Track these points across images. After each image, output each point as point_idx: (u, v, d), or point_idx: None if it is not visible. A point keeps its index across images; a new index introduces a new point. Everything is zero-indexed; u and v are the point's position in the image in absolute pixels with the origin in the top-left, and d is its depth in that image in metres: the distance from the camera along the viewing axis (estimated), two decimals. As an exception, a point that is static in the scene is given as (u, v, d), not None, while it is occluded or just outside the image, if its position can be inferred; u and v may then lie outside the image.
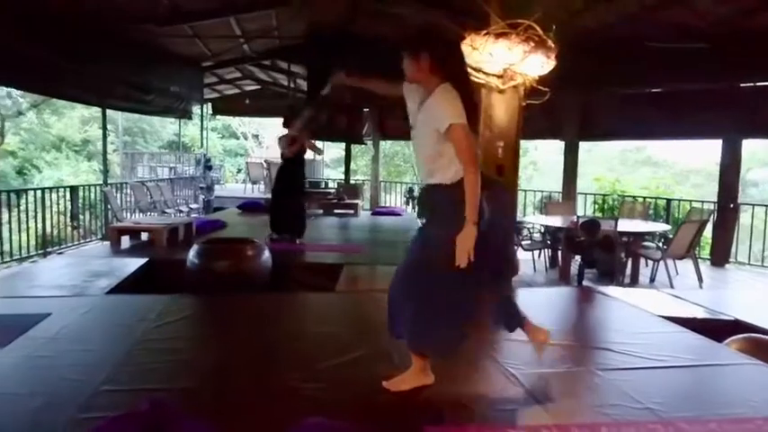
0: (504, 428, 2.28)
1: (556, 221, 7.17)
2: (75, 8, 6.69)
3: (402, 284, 2.54)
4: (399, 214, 10.64)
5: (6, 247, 7.17)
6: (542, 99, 4.79)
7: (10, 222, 7.40)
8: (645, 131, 9.32)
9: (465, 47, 4.47)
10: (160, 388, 2.60)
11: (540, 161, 22.87)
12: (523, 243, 7.17)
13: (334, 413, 2.21)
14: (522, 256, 7.03)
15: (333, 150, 22.20)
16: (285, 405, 2.49)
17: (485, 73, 4.60)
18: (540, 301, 4.65)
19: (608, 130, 9.24)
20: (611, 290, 4.94)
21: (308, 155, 7.42)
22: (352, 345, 3.22)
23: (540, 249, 7.55)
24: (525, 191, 11.45)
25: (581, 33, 6.35)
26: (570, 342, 3.44)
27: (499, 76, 4.65)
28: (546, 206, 8.94)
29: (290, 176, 6.66)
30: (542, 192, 11.74)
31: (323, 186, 12.67)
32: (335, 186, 12.25)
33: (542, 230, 7.72)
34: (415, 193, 13.02)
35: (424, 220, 2.64)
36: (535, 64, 4.54)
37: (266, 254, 5.07)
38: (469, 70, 4.47)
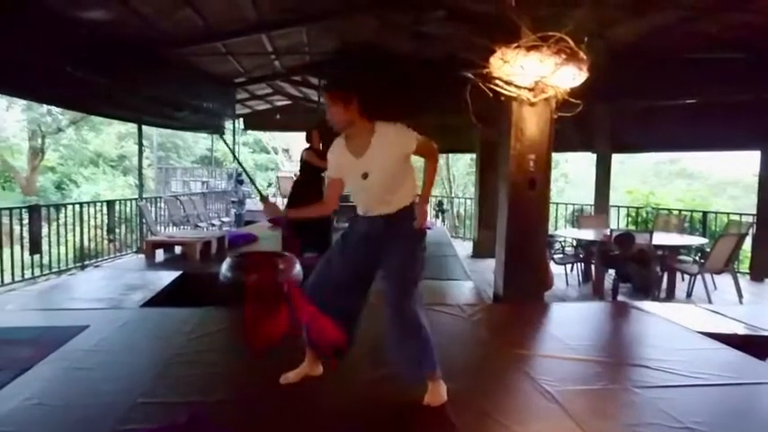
0: (539, 447, 2.24)
1: (588, 235, 7.06)
2: (113, 32, 6.92)
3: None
4: (429, 228, 10.59)
5: (46, 260, 7.37)
6: (574, 111, 4.74)
7: (49, 236, 7.61)
8: (679, 143, 9.15)
9: (495, 60, 4.47)
10: (195, 401, 2.63)
11: (572, 173, 22.59)
12: (555, 257, 7.08)
13: (364, 428, 2.20)
14: (555, 269, 6.94)
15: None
16: (317, 419, 2.49)
17: (516, 86, 4.58)
18: (574, 316, 4.59)
19: (641, 141, 9.08)
20: (647, 305, 4.83)
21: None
22: (382, 359, 3.21)
23: (573, 263, 7.44)
24: (557, 204, 11.30)
25: (614, 45, 6.28)
26: (605, 358, 3.38)
27: (530, 89, 4.62)
28: (578, 219, 8.82)
29: (310, 192, 6.34)
30: (574, 205, 11.60)
31: (352, 199, 12.71)
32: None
33: (574, 244, 7.61)
34: (445, 207, 12.99)
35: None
36: (567, 76, 4.50)
37: (297, 267, 5.10)
38: (500, 83, 4.51)
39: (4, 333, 3.57)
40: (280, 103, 14.11)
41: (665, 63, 7.26)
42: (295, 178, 7.61)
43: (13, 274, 6.73)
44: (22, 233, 7.28)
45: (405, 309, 2.55)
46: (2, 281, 6.48)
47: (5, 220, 7.00)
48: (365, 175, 2.57)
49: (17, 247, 7.09)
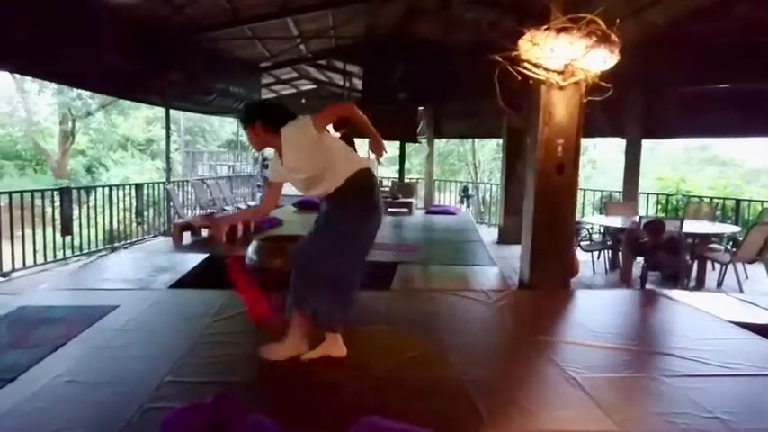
0: (565, 433, 2.21)
1: (616, 222, 6.96)
2: (141, 17, 6.98)
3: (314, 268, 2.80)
4: (454, 213, 10.55)
5: (77, 242, 7.53)
6: (604, 96, 4.64)
7: (80, 218, 7.76)
8: (712, 129, 8.92)
9: (524, 43, 4.39)
10: (221, 381, 2.66)
11: (600, 160, 22.26)
12: (582, 244, 6.99)
13: (390, 412, 2.20)
14: (581, 257, 6.85)
15: (387, 149, 22.24)
16: (343, 402, 2.50)
17: (545, 69, 4.49)
18: (601, 304, 4.53)
19: (673, 127, 8.88)
20: (677, 293, 4.74)
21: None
22: (407, 344, 3.22)
23: (600, 250, 7.35)
24: (584, 190, 11.14)
25: (647, 28, 6.13)
26: (633, 346, 3.33)
27: (560, 73, 4.52)
28: (606, 206, 8.70)
29: None
30: (602, 191, 11.43)
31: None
32: (390, 185, 12.26)
33: (602, 231, 7.51)
34: (470, 192, 12.90)
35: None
36: (597, 59, 4.39)
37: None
38: (529, 66, 4.43)
39: (37, 312, 3.66)
40: (305, 88, 14.14)
41: (700, 48, 7.07)
42: None
43: (45, 254, 6.90)
44: (53, 215, 7.45)
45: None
46: (35, 261, 6.65)
47: (38, 202, 7.16)
48: (295, 173, 2.83)
49: (49, 229, 7.26)
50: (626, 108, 8.44)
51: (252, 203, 12.43)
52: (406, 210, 10.38)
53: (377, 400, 2.51)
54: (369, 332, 3.50)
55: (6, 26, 5.18)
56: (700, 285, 6.27)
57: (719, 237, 7.05)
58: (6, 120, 18.35)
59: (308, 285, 2.81)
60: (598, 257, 7.33)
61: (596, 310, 4.32)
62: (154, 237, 9.05)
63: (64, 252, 7.29)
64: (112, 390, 2.63)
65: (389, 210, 10.39)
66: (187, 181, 11.68)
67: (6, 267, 6.17)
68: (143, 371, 2.89)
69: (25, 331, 3.14)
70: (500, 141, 11.15)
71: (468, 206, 12.55)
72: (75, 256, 7.33)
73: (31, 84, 17.29)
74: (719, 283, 6.37)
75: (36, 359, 2.87)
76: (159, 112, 14.89)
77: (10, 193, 6.63)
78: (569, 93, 4.64)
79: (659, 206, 10.62)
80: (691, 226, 6.33)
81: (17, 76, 15.02)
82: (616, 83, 4.57)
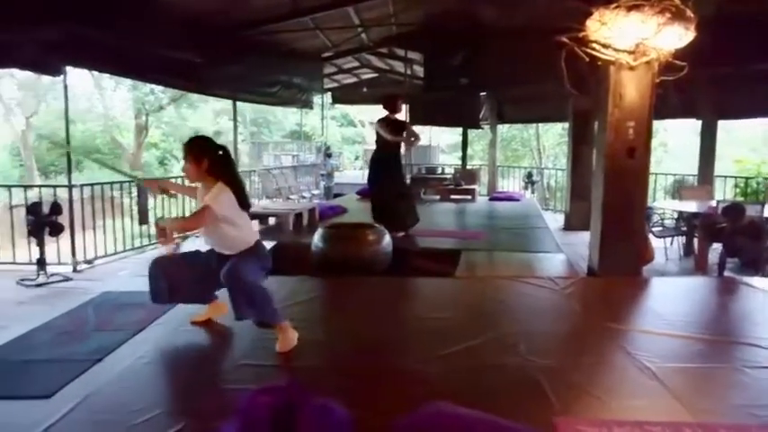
0: (640, 423, 2.15)
1: (690, 207, 6.68)
2: (207, 13, 7.20)
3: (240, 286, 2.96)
4: (518, 199, 10.38)
5: (153, 231, 7.89)
6: (678, 75, 4.43)
7: (155, 208, 8.12)
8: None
9: (593, 22, 4.25)
10: (292, 365, 2.74)
11: (671, 143, 21.30)
12: (654, 229, 6.73)
13: (459, 399, 2.20)
14: (654, 243, 6.61)
15: (449, 135, 22.10)
16: (409, 387, 2.53)
17: (614, 49, 4.33)
18: (675, 292, 4.37)
19: (752, 107, 8.38)
20: (758, 281, 4.51)
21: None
22: (475, 331, 3.21)
23: (673, 236, 7.06)
24: (655, 174, 10.70)
25: (723, 3, 5.80)
26: (710, 336, 3.20)
27: (630, 52, 4.35)
28: (679, 190, 8.34)
29: (387, 171, 6.30)
30: (674, 175, 10.95)
31: (439, 172, 12.63)
32: (452, 172, 12.17)
33: (675, 216, 7.21)
34: (535, 178, 12.65)
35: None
36: (671, 37, 4.20)
37: (387, 239, 5.17)
38: (597, 47, 4.28)
39: (120, 297, 3.87)
40: (366, 77, 14.18)
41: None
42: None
43: (124, 243, 7.27)
44: (131, 205, 7.83)
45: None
46: (114, 249, 7.02)
47: (116, 194, 7.53)
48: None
49: (127, 219, 7.64)
50: (701, 87, 8.02)
51: (315, 192, 12.66)
52: (468, 197, 10.30)
53: (444, 386, 2.52)
54: (436, 319, 3.52)
55: (83, 26, 5.47)
56: (783, 273, 5.93)
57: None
58: (86, 116, 19.34)
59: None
60: (671, 244, 7.05)
61: (670, 297, 4.17)
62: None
63: (141, 240, 7.65)
64: (190, 371, 2.77)
65: (451, 197, 10.34)
66: (254, 171, 11.98)
67: (90, 255, 6.54)
68: (217, 353, 3.03)
69: (109, 315, 3.33)
70: (565, 125, 10.85)
71: (533, 192, 12.31)
72: (152, 244, 7.68)
73: (107, 81, 18.14)
74: (806, 271, 6.00)
75: (120, 341, 3.04)
76: (226, 104, 15.32)
77: (92, 185, 7.01)
78: (640, 73, 4.46)
79: (737, 190, 10.06)
80: (773, 210, 5.98)
81: (95, 73, 15.78)
82: (690, 61, 4.36)
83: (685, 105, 8.38)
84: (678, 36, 4.17)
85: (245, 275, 2.96)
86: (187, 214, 8.48)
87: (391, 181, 6.38)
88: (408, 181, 11.21)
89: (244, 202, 3.11)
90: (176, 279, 3.12)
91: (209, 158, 3.02)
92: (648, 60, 4.38)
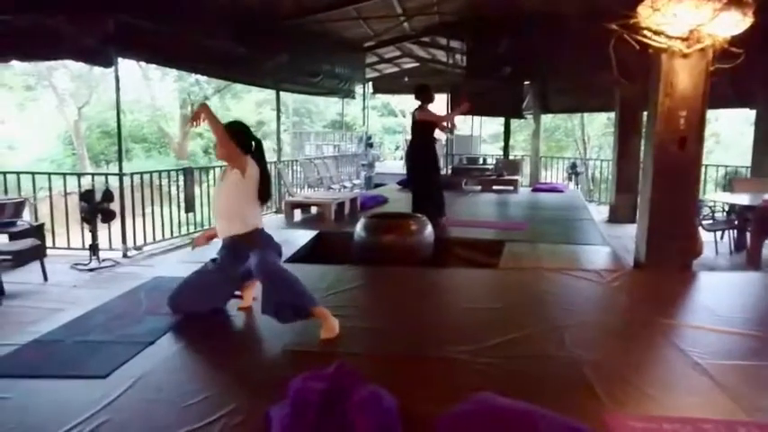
0: (693, 420, 2.11)
1: (743, 200, 6.45)
2: (253, 4, 7.29)
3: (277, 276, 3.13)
4: (562, 191, 10.21)
5: (198, 218, 8.08)
6: (733, 63, 4.27)
7: (200, 196, 8.30)
8: None
9: (644, 9, 4.13)
10: (336, 352, 2.78)
11: (723, 133, 20.57)
12: (704, 223, 6.53)
13: (505, 390, 2.19)
14: (703, 237, 6.42)
15: (491, 125, 21.83)
16: (455, 377, 2.53)
17: (667, 36, 4.20)
18: (727, 287, 4.25)
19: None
20: (816, 278, 4.34)
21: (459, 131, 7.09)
22: (519, 322, 3.19)
23: (724, 230, 6.84)
24: (706, 166, 10.35)
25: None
26: (763, 333, 3.09)
27: (683, 39, 4.21)
28: (731, 183, 8.06)
29: (428, 158, 6.40)
30: (726, 167, 10.58)
31: (481, 162, 12.52)
32: (494, 162, 12.05)
33: (726, 209, 6.99)
34: (579, 169, 12.42)
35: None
36: (727, 23, 4.04)
37: (429, 229, 5.17)
38: (648, 34, 4.16)
39: (170, 282, 3.97)
40: (407, 66, 14.14)
41: None
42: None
43: (171, 230, 7.47)
44: (177, 193, 8.02)
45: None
46: (162, 236, 7.22)
47: (164, 182, 7.73)
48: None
49: (174, 207, 7.85)
50: (756, 75, 7.72)
51: (356, 182, 12.72)
52: (511, 187, 10.19)
53: (490, 377, 2.51)
54: (480, 310, 3.51)
55: (134, 18, 5.61)
56: (843, 269, 5.69)
57: None
58: (134, 106, 19.86)
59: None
60: (721, 238, 6.84)
61: (721, 293, 4.05)
62: (266, 213, 9.49)
63: (187, 228, 7.84)
64: (238, 355, 2.83)
65: (493, 188, 10.24)
66: (296, 160, 12.11)
67: (139, 241, 6.75)
68: (262, 340, 3.09)
69: (161, 299, 3.42)
70: (611, 115, 10.61)
71: (577, 183, 12.09)
72: (198, 231, 7.86)
73: (154, 72, 18.58)
74: None
75: (171, 325, 3.13)
76: (269, 94, 15.49)
77: (141, 174, 7.21)
78: (694, 60, 4.32)
79: (794, 182, 9.67)
80: (834, 204, 5.73)
81: (142, 64, 16.18)
82: (746, 48, 4.19)
83: (739, 94, 8.09)
84: (735, 22, 4.02)
85: (276, 264, 3.20)
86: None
87: (432, 170, 6.47)
88: (449, 171, 11.18)
89: (263, 192, 3.33)
90: (193, 308, 3.31)
91: (240, 143, 3.30)
92: (703, 48, 4.23)
